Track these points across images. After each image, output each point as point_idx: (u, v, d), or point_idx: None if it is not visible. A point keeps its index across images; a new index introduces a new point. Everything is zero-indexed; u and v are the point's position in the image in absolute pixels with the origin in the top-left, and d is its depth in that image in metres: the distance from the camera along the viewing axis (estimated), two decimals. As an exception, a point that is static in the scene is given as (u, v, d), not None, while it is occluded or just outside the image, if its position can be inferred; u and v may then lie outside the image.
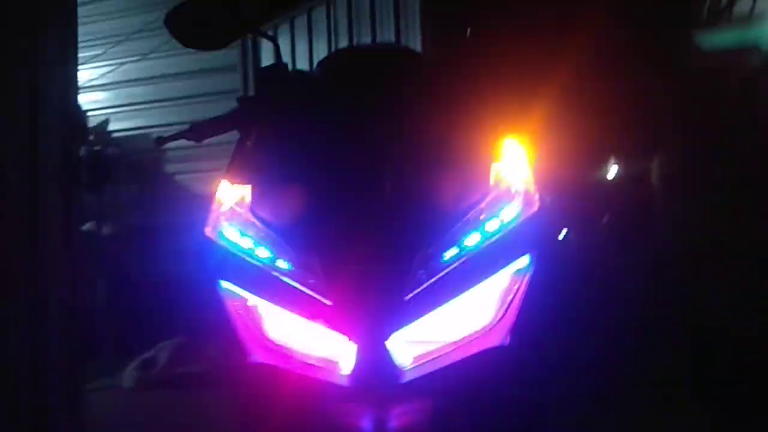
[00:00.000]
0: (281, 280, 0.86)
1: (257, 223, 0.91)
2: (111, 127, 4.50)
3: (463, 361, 0.84)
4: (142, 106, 4.45)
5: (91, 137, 3.98)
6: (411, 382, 0.83)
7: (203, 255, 0.94)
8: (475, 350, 0.84)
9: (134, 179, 4.42)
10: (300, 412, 0.88)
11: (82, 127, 3.16)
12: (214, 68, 4.08)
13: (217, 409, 2.96)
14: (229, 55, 4.16)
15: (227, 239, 0.92)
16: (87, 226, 3.76)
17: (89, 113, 4.30)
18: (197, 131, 1.17)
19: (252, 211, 0.92)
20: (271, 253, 0.89)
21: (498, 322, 0.85)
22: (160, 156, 4.50)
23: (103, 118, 4.49)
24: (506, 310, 0.85)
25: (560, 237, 0.90)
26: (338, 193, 0.89)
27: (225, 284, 0.91)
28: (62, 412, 2.57)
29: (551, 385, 1.04)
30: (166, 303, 4.23)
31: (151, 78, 4.41)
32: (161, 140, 1.25)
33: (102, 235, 4.20)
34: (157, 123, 4.40)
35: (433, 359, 0.84)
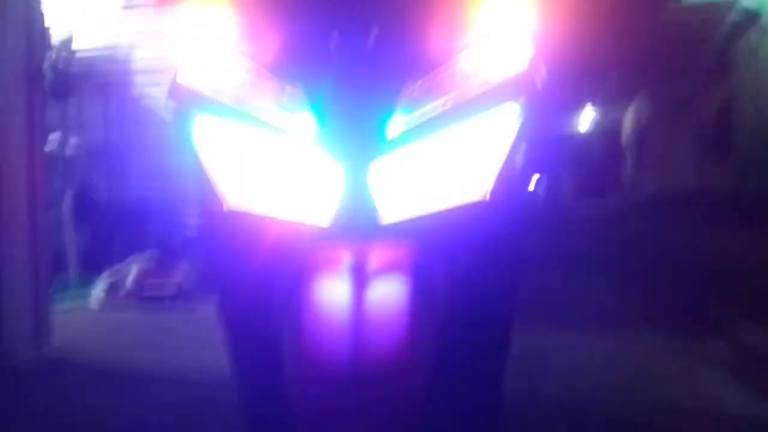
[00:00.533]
0: (266, 108, 0.84)
1: (237, 56, 0.87)
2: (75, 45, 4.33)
3: (444, 212, 0.85)
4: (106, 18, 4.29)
5: (53, 56, 3.82)
6: (391, 225, 0.84)
7: (177, 92, 0.89)
8: (453, 203, 0.85)
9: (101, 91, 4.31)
10: (278, 257, 0.88)
11: (43, 40, 3.05)
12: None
13: (182, 329, 3.01)
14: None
15: (206, 74, 0.88)
16: (52, 137, 3.68)
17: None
18: None
19: (231, 44, 0.88)
20: (254, 85, 0.86)
21: (478, 178, 0.85)
22: (127, 73, 4.39)
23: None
24: (487, 168, 0.86)
25: (547, 95, 0.89)
26: (326, 30, 0.87)
27: (200, 123, 0.87)
28: (28, 332, 2.58)
29: (527, 246, 1.07)
30: (135, 218, 4.20)
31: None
32: None
33: (67, 150, 4.09)
34: (121, 35, 4.26)
35: (414, 205, 0.85)
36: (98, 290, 3.58)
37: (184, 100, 0.87)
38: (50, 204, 3.24)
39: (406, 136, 0.82)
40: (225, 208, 0.87)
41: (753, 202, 7.78)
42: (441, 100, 0.83)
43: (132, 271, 3.62)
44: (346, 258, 0.84)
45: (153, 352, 2.61)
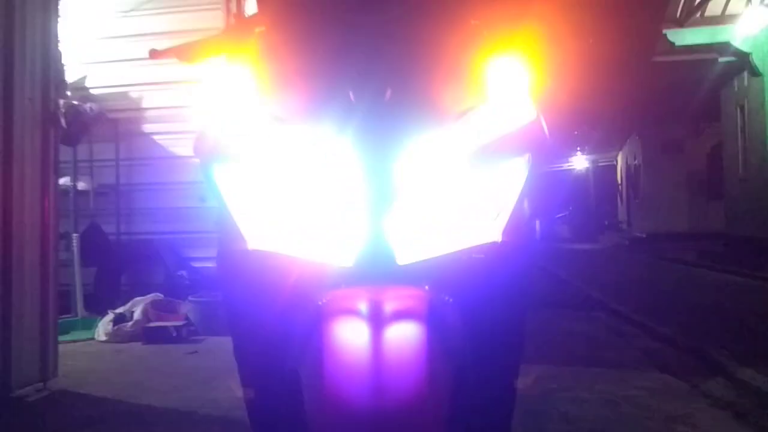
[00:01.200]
0: (285, 160, 0.90)
1: (259, 111, 0.94)
2: (90, 83, 4.46)
3: (457, 253, 0.91)
4: (123, 64, 4.42)
5: (69, 93, 3.94)
6: (408, 266, 0.89)
7: (202, 143, 0.96)
8: (467, 244, 0.92)
9: (112, 136, 4.41)
10: (298, 296, 0.92)
11: (61, 80, 3.14)
12: (197, 28, 4.07)
13: (188, 360, 3.04)
14: (214, 15, 4.17)
15: (228, 126, 0.94)
16: (63, 181, 3.75)
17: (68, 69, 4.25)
18: (190, 51, 1.19)
19: (253, 100, 0.95)
20: (274, 138, 0.92)
21: (491, 221, 0.92)
22: (137, 115, 4.50)
23: (82, 74, 4.44)
24: (499, 212, 0.93)
25: (552, 146, 0.97)
26: (342, 89, 0.93)
27: (224, 171, 0.94)
28: (34, 363, 2.61)
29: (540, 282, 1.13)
30: (141, 260, 4.26)
31: (133, 36, 4.36)
32: (154, 53, 1.27)
33: (77, 190, 4.18)
34: (138, 82, 4.38)
35: (429, 247, 0.91)
36: (105, 323, 3.62)
37: (209, 148, 0.95)
38: (60, 242, 3.30)
39: (422, 185, 0.89)
40: (247, 247, 0.93)
41: (744, 244, 7.86)
42: (455, 152, 0.90)
43: (139, 305, 3.67)
44: (365, 298, 0.88)
45: (158, 385, 2.64)
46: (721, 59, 7.97)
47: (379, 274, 0.88)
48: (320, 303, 0.90)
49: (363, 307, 0.88)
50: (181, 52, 1.19)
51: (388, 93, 0.92)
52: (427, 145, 0.91)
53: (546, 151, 0.95)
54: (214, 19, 4.12)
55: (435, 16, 1.02)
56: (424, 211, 0.90)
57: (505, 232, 0.92)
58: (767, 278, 6.30)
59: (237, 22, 1.28)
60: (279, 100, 0.95)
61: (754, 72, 7.70)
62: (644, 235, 12.52)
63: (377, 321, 0.86)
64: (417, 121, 0.91)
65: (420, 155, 0.89)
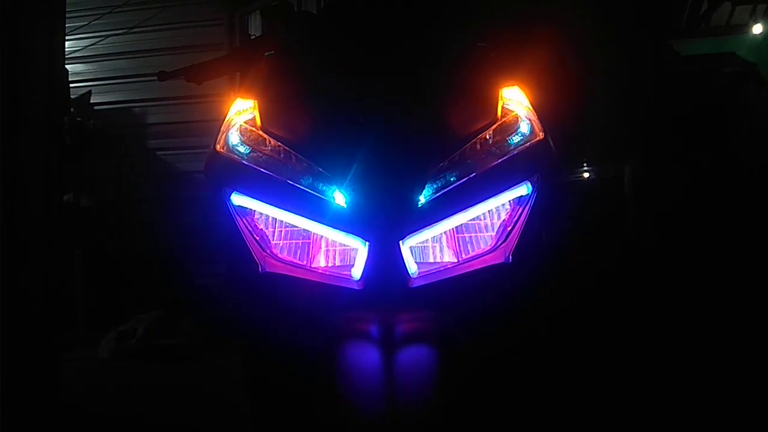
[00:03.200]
0: (296, 187, 0.89)
1: (269, 138, 0.94)
2: (93, 99, 4.47)
3: (467, 275, 0.90)
4: (126, 80, 4.44)
5: (73, 109, 3.95)
6: (419, 288, 0.88)
7: (213, 169, 0.96)
8: (478, 266, 0.91)
9: (114, 153, 4.41)
10: (310, 318, 0.92)
11: (65, 96, 3.15)
12: (199, 45, 4.08)
13: (192, 378, 3.02)
14: (216, 32, 4.17)
15: (240, 153, 0.94)
16: (66, 198, 3.75)
17: (72, 85, 4.27)
18: (197, 72, 1.20)
19: (263, 128, 0.95)
20: (285, 164, 0.92)
21: (501, 242, 0.91)
22: (141, 131, 4.50)
23: (85, 90, 4.46)
24: (509, 232, 0.92)
25: (559, 168, 0.96)
26: (352, 114, 0.93)
27: (236, 197, 0.94)
28: (37, 381, 2.59)
29: (547, 302, 1.11)
30: (143, 277, 4.25)
31: (136, 52, 4.39)
32: (163, 75, 1.29)
33: (80, 206, 4.18)
34: (140, 98, 4.39)
35: (439, 270, 0.89)
36: (108, 340, 3.59)
37: (222, 175, 0.94)
38: (62, 259, 3.29)
39: (433, 214, 0.88)
40: (259, 271, 0.92)
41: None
42: (463, 180, 0.89)
43: (142, 322, 3.65)
44: (376, 321, 0.88)
45: (162, 404, 2.61)
46: (726, 69, 7.93)
47: (390, 297, 0.88)
48: (332, 326, 0.89)
49: (375, 329, 0.87)
50: (189, 74, 1.19)
51: (398, 116, 0.92)
52: (436, 168, 0.90)
53: (555, 171, 0.95)
54: (217, 36, 4.13)
55: (443, 39, 1.02)
56: (434, 234, 0.89)
57: (515, 253, 0.91)
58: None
59: (244, 44, 1.28)
60: (289, 123, 0.94)
61: (759, 82, 7.65)
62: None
63: (389, 343, 0.86)
64: (426, 143, 0.90)
65: (429, 178, 0.88)
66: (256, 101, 0.99)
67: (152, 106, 4.39)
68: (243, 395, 1.09)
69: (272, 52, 1.09)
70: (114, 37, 4.43)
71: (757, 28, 7.44)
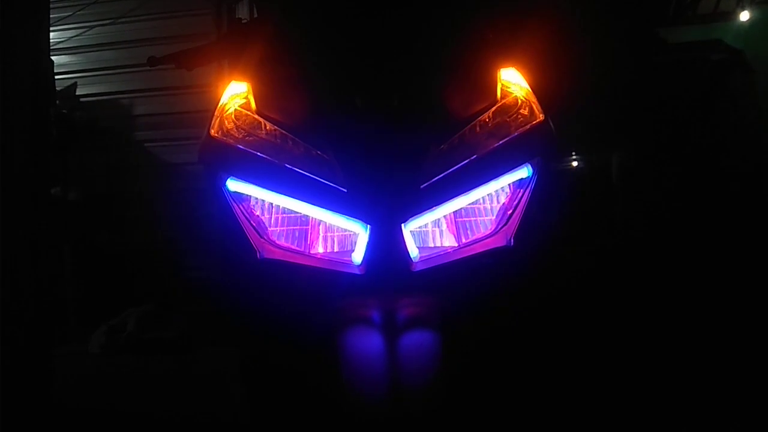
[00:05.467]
0: (295, 171, 0.88)
1: (265, 122, 0.92)
2: (79, 91, 4.41)
3: (469, 259, 0.89)
4: (112, 72, 4.38)
5: (58, 101, 3.89)
6: (420, 273, 0.87)
7: (208, 155, 0.94)
8: (479, 250, 0.90)
9: (101, 145, 4.36)
10: (310, 303, 0.91)
11: (51, 88, 3.11)
12: (187, 34, 4.03)
13: (184, 372, 3.01)
14: (204, 21, 4.13)
15: (235, 137, 0.92)
16: (53, 192, 3.70)
17: (57, 77, 4.21)
18: (188, 58, 1.17)
19: (259, 111, 0.93)
20: (282, 148, 0.91)
21: (502, 226, 0.91)
22: (129, 123, 4.45)
23: (70, 82, 4.40)
24: (510, 215, 0.91)
25: (559, 150, 0.96)
26: (349, 96, 0.92)
27: (232, 183, 0.92)
28: (29, 377, 2.56)
29: (549, 285, 1.11)
30: (133, 271, 4.22)
31: (122, 42, 4.33)
32: (152, 60, 1.26)
33: (68, 200, 4.13)
34: (127, 89, 4.34)
35: (440, 254, 0.89)
36: (98, 335, 3.56)
37: (217, 160, 0.92)
38: (50, 253, 3.25)
39: (434, 196, 0.87)
40: (258, 258, 0.91)
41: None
42: (465, 162, 0.88)
43: (133, 316, 3.62)
44: (378, 306, 0.87)
45: (155, 397, 2.60)
46: (714, 57, 7.97)
47: (392, 281, 0.87)
48: (333, 311, 0.88)
49: (376, 314, 0.87)
50: (179, 59, 1.17)
51: (396, 98, 0.90)
52: (436, 151, 0.89)
53: (555, 154, 0.94)
54: (204, 24, 4.09)
55: (441, 21, 1.01)
56: (435, 218, 0.88)
57: (516, 237, 0.90)
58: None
59: (234, 28, 1.25)
60: (285, 107, 0.93)
61: (746, 69, 7.70)
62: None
63: (391, 328, 0.85)
64: (425, 127, 0.89)
65: (429, 161, 0.87)
66: (250, 85, 0.97)
67: (139, 97, 4.34)
68: (240, 384, 1.08)
69: (266, 35, 1.07)
70: (99, 27, 4.37)
71: (744, 15, 7.48)
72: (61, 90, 4.18)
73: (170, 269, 4.12)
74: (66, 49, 4.43)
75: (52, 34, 3.39)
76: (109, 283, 4.21)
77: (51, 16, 3.04)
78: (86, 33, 4.40)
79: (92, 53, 4.43)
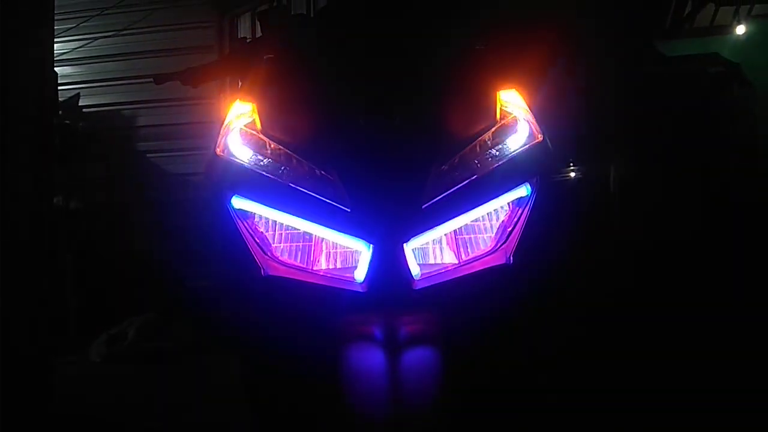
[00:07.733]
0: (299, 190, 0.90)
1: (269, 141, 0.94)
2: (82, 102, 4.45)
3: (469, 276, 0.91)
4: (115, 83, 4.42)
5: (61, 112, 3.92)
6: (421, 291, 0.89)
7: (214, 173, 0.96)
8: (480, 267, 0.92)
9: (103, 156, 4.39)
10: (313, 321, 0.92)
11: (54, 99, 3.14)
12: (189, 47, 4.07)
13: (184, 381, 3.01)
14: (206, 34, 4.17)
15: (240, 156, 0.94)
16: (55, 201, 3.73)
17: (60, 88, 4.24)
18: (193, 75, 1.20)
19: (263, 131, 0.95)
20: (287, 167, 0.92)
21: (502, 244, 0.93)
22: (131, 134, 4.48)
23: (73, 93, 4.43)
24: (510, 233, 0.93)
25: (559, 169, 0.99)
26: (352, 116, 0.94)
27: (237, 201, 0.94)
28: (29, 385, 2.57)
29: (548, 301, 1.12)
30: (135, 280, 4.23)
31: (125, 54, 4.37)
32: (158, 78, 1.29)
33: (70, 210, 4.16)
34: (129, 100, 4.37)
35: (441, 272, 0.91)
36: (99, 344, 3.57)
37: (223, 178, 0.94)
38: (52, 262, 3.27)
39: (436, 216, 0.89)
40: (262, 274, 0.93)
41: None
42: (466, 182, 0.90)
43: (133, 325, 3.63)
44: (380, 324, 0.88)
45: (156, 407, 2.61)
46: (711, 70, 8.01)
47: (394, 299, 0.89)
48: (335, 329, 0.90)
49: (378, 332, 0.88)
50: (185, 77, 1.19)
51: (398, 119, 0.93)
52: (437, 171, 0.91)
53: (553, 172, 0.97)
54: (207, 38, 4.13)
55: (442, 42, 1.03)
56: (437, 236, 0.90)
57: (515, 255, 0.92)
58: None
59: (240, 47, 1.28)
60: (289, 126, 0.95)
61: (743, 82, 7.73)
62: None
63: (393, 346, 0.87)
64: (427, 147, 0.92)
65: (431, 181, 0.90)
66: (255, 104, 0.99)
67: (142, 108, 4.37)
68: (241, 398, 1.09)
69: (270, 55, 1.10)
70: (103, 39, 4.41)
71: (740, 29, 7.53)
72: (64, 101, 4.22)
73: (172, 279, 4.14)
74: (70, 60, 4.46)
75: (56, 46, 3.43)
76: (110, 292, 4.22)
77: (55, 27, 3.08)
78: (90, 45, 4.44)
79: (95, 65, 4.47)
